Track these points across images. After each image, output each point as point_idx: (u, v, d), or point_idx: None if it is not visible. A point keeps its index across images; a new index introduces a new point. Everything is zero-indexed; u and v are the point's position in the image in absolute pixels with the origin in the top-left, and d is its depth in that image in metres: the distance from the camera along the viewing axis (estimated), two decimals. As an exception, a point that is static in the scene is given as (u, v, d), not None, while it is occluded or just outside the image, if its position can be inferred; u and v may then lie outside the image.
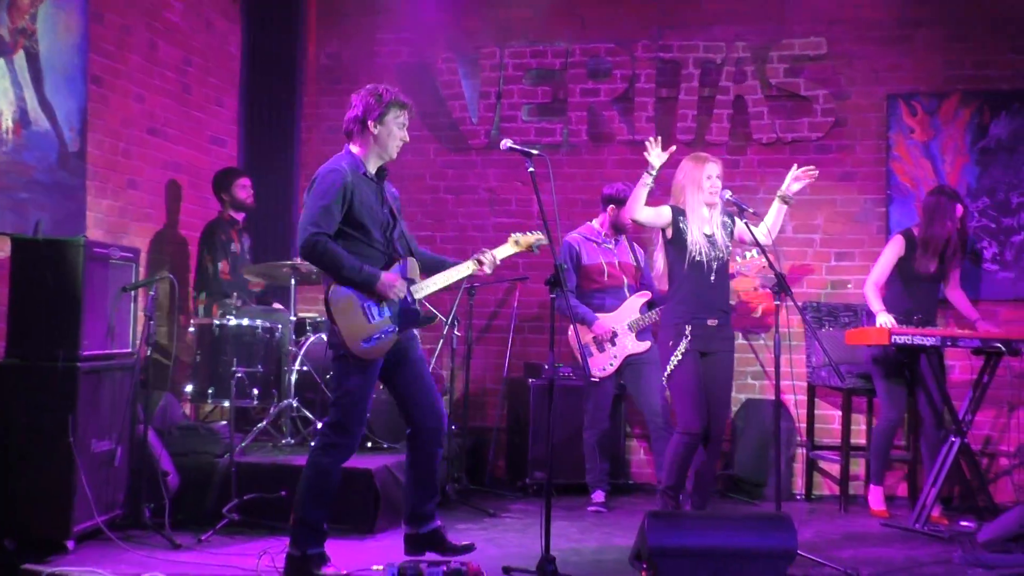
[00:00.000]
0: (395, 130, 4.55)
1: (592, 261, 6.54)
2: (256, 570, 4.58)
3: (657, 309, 6.28)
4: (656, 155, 5.20)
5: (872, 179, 7.31)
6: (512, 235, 4.82)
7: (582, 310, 6.43)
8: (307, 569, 4.45)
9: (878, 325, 6.05)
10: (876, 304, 6.21)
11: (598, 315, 6.43)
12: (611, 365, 6.38)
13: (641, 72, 7.56)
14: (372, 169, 4.58)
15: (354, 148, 4.59)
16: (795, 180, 5.43)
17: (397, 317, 4.52)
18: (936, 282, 6.32)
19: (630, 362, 6.41)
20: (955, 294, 6.47)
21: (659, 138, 5.28)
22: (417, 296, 4.59)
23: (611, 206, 6.55)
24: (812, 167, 5.48)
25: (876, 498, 6.34)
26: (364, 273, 4.43)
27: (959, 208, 6.26)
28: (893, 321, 6.05)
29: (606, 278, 6.50)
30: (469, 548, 4.73)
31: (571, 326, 6.49)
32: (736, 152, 7.47)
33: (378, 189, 4.60)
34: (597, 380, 6.38)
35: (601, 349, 6.40)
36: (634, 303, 6.46)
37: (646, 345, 6.39)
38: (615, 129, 7.63)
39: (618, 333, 6.39)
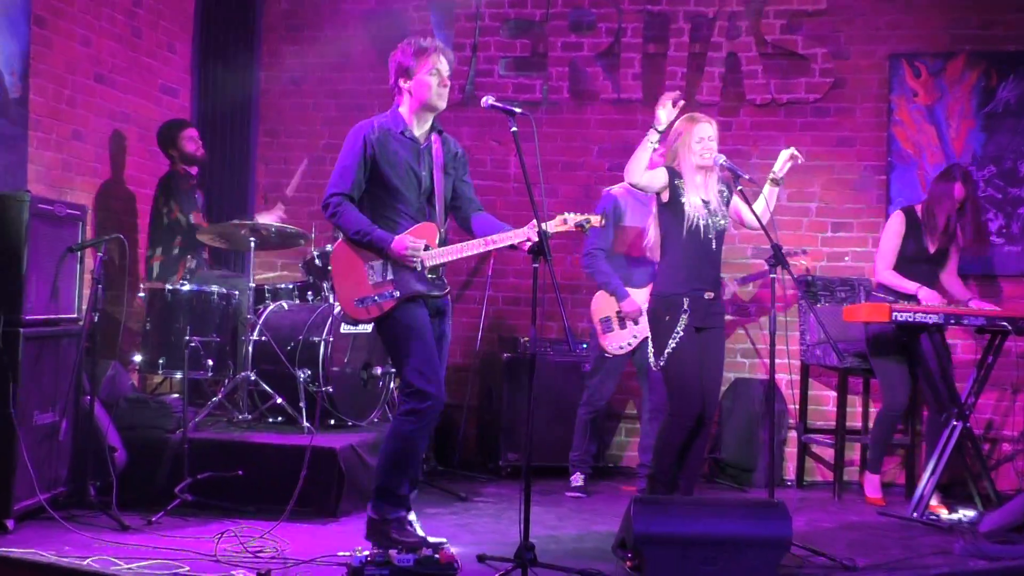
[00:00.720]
0: (428, 79, 4.65)
1: (637, 224, 6.29)
2: (214, 554, 4.53)
3: None
4: (666, 111, 5.12)
5: (872, 145, 7.31)
6: (562, 214, 4.71)
7: (615, 282, 6.33)
8: (387, 532, 4.64)
9: (924, 303, 6.00)
10: (907, 284, 6.15)
11: (629, 290, 6.34)
12: (629, 344, 6.36)
13: (628, 26, 7.51)
14: (420, 126, 4.73)
15: (401, 108, 4.75)
16: (789, 160, 5.36)
17: (401, 284, 4.60)
18: (936, 264, 6.31)
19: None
20: (950, 280, 6.40)
21: (678, 92, 5.19)
22: (429, 264, 4.61)
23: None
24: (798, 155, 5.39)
25: (872, 486, 6.38)
26: (372, 237, 4.59)
27: (956, 187, 6.21)
28: (937, 296, 6.02)
29: (648, 248, 6.30)
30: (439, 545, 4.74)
31: (595, 295, 6.45)
32: (728, 113, 7.44)
33: (418, 147, 4.69)
34: (610, 357, 6.36)
35: (623, 326, 6.37)
36: None
37: None
38: (599, 87, 7.58)
39: (643, 312, 6.32)
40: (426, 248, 4.63)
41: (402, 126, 4.69)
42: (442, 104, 4.72)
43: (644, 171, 5.22)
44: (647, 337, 6.23)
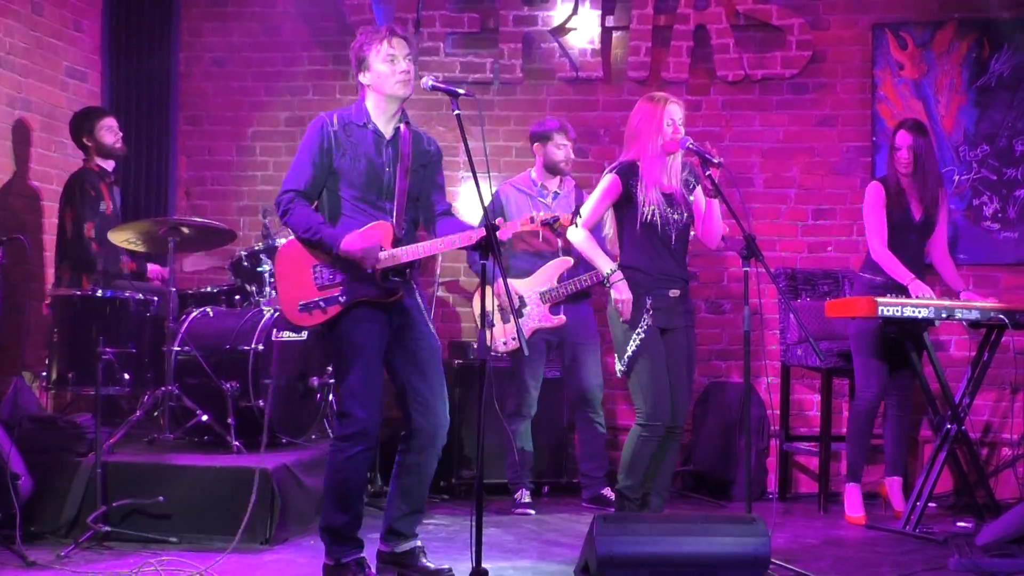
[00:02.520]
0: (384, 68, 4.67)
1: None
2: (131, 590, 4.51)
3: (577, 278, 6.37)
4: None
5: (855, 124, 7.37)
6: (531, 213, 4.75)
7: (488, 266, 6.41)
8: None
9: (917, 297, 6.02)
10: (901, 272, 6.16)
11: (513, 282, 6.45)
12: (513, 339, 6.41)
13: (586, -4, 7.53)
14: (384, 118, 4.75)
15: (366, 101, 4.79)
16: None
17: (349, 287, 4.60)
18: (924, 234, 6.33)
19: (567, 341, 6.48)
20: (941, 257, 6.41)
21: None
22: (380, 266, 4.60)
23: (536, 145, 6.62)
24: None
25: (852, 501, 6.29)
26: (321, 234, 4.61)
27: (902, 135, 6.21)
28: (929, 290, 6.05)
29: (540, 239, 6.49)
30: (448, 573, 4.78)
31: (476, 292, 6.53)
32: (697, 92, 7.47)
33: (382, 141, 4.73)
34: (500, 355, 6.45)
35: (505, 320, 6.43)
36: (551, 270, 6.50)
37: (559, 319, 6.45)
38: (554, 64, 7.59)
39: (527, 303, 6.40)
40: (380, 249, 4.61)
41: (364, 118, 4.73)
42: (404, 91, 4.71)
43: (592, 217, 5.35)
44: (537, 330, 6.43)
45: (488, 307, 6.32)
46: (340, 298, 4.61)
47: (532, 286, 6.48)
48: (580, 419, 6.68)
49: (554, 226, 4.60)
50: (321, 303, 4.62)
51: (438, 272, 7.46)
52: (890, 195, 6.27)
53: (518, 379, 6.54)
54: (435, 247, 4.69)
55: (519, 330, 4.47)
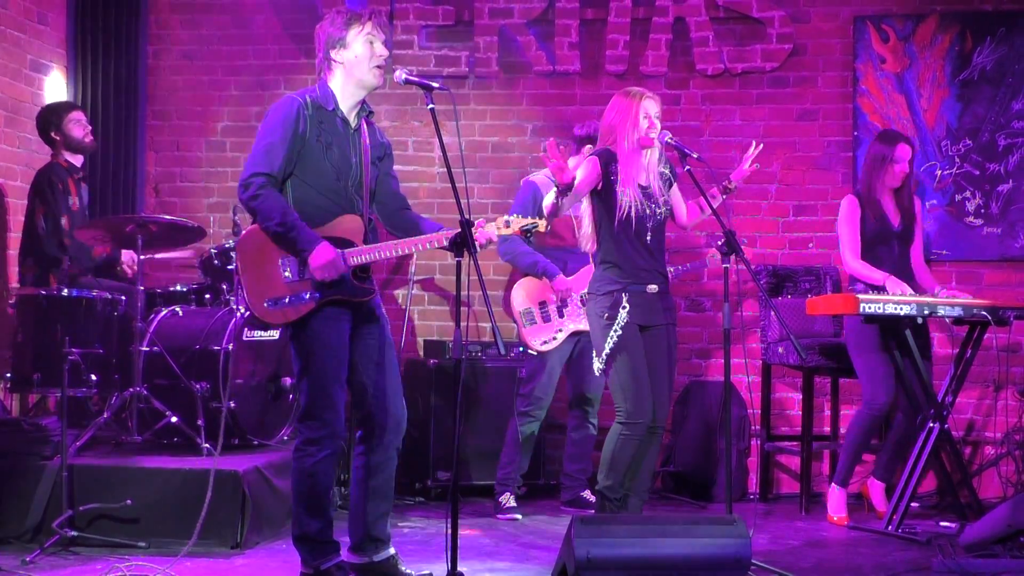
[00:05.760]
0: (362, 49, 4.59)
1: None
2: (97, 597, 4.48)
3: None
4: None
5: (836, 118, 7.38)
6: (504, 216, 4.68)
7: (542, 261, 6.35)
8: None
9: (891, 294, 6.03)
10: (875, 274, 6.17)
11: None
12: (554, 338, 6.36)
13: (563, -13, 7.52)
14: (348, 105, 4.66)
15: (332, 82, 4.67)
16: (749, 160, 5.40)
17: (320, 286, 4.51)
18: (906, 241, 6.36)
19: (577, 341, 6.43)
20: (917, 260, 6.43)
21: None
22: (352, 262, 4.54)
23: (588, 146, 6.42)
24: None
25: (836, 502, 6.28)
26: (299, 233, 4.47)
27: (904, 149, 6.24)
28: (906, 287, 6.06)
29: (575, 236, 6.33)
30: None
31: (513, 287, 6.45)
32: (676, 86, 7.47)
33: (349, 131, 4.65)
34: (535, 354, 6.37)
35: (546, 318, 6.37)
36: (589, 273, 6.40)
37: None
38: (531, 58, 7.57)
39: (568, 303, 6.35)
40: (350, 245, 4.56)
41: (334, 104, 4.62)
42: (376, 81, 4.65)
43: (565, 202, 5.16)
44: (575, 332, 6.35)
45: (528, 304, 6.31)
46: (309, 296, 4.52)
47: (577, 286, 6.32)
48: (575, 418, 6.58)
49: (530, 233, 4.57)
50: (289, 300, 4.52)
51: (412, 271, 7.43)
52: (866, 205, 6.28)
53: (537, 379, 6.43)
54: (409, 246, 4.62)
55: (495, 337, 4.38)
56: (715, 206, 5.33)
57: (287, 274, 4.53)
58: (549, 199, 5.07)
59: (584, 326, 6.30)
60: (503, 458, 6.51)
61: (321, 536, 4.62)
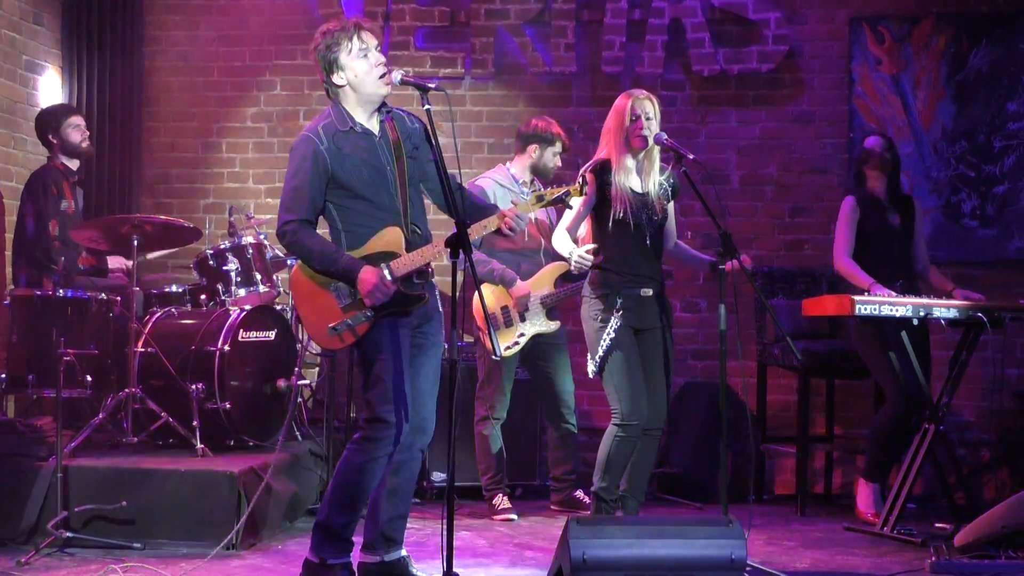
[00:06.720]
0: (361, 64, 4.55)
1: None
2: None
3: (574, 284, 6.24)
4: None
5: (832, 120, 7.40)
6: (535, 190, 4.71)
7: (499, 267, 6.35)
8: None
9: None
10: (861, 277, 6.18)
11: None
12: (516, 344, 6.37)
13: (559, -12, 7.54)
14: (368, 116, 4.63)
15: (343, 103, 4.63)
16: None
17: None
18: (906, 240, 6.38)
19: (537, 342, 6.43)
20: (923, 260, 6.46)
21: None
22: (396, 274, 4.52)
23: (532, 146, 6.45)
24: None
25: (865, 497, 6.28)
26: (340, 265, 4.50)
27: (871, 140, 6.31)
28: (891, 291, 6.06)
29: (526, 238, 6.41)
30: None
31: (476, 293, 6.46)
32: (672, 87, 7.49)
33: (374, 140, 4.60)
34: (498, 359, 6.38)
35: (508, 323, 6.37)
36: (550, 274, 6.41)
37: (556, 325, 6.41)
38: (528, 58, 7.59)
39: (528, 307, 6.36)
40: (394, 257, 4.54)
41: (349, 123, 4.57)
42: (385, 90, 4.59)
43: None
44: (536, 335, 6.37)
45: (491, 310, 6.29)
46: (367, 313, 4.52)
47: (535, 290, 6.36)
48: (553, 421, 6.62)
49: (566, 200, 4.58)
50: (349, 322, 4.52)
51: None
52: (865, 205, 6.29)
53: (495, 382, 6.45)
54: (433, 252, 4.57)
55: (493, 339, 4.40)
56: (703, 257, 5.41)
57: (341, 299, 4.54)
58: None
59: (545, 328, 6.34)
60: (480, 466, 6.52)
61: (343, 532, 4.60)
